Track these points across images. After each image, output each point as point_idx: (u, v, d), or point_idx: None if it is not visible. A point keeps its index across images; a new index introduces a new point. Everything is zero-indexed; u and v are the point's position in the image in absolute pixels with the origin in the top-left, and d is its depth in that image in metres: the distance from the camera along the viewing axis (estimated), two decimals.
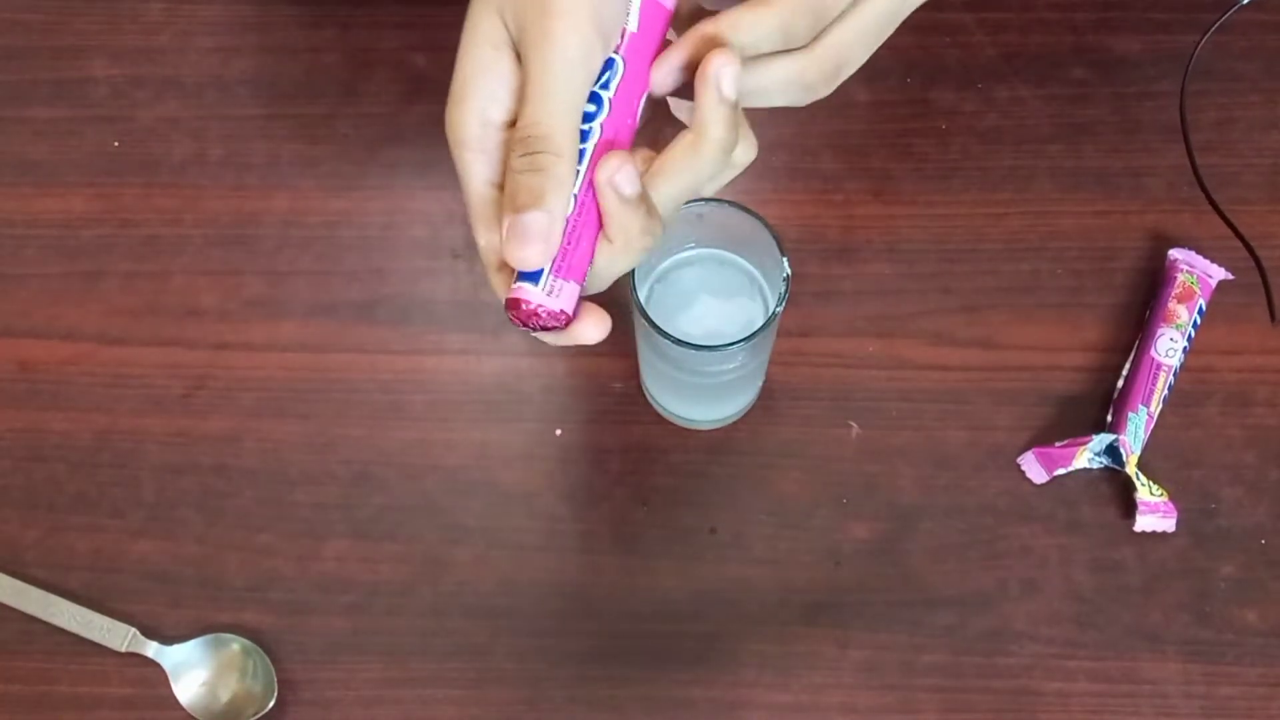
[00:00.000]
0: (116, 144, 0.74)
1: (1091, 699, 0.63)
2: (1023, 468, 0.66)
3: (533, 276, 0.44)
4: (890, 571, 0.65)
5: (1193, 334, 0.68)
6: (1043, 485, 0.66)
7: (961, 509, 0.66)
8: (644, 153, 0.46)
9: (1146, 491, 0.64)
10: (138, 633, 0.64)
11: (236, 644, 0.64)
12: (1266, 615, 0.64)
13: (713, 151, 0.44)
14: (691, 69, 0.44)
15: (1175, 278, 0.68)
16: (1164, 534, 0.65)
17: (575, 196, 0.44)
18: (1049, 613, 0.64)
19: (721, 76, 0.43)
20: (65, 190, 0.73)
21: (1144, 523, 0.64)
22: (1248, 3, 0.73)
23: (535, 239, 0.44)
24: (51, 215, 0.72)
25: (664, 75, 0.45)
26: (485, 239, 0.46)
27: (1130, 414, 0.65)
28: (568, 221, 0.44)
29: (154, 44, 0.75)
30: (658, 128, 0.48)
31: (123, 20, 0.76)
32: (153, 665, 0.63)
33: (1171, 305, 0.68)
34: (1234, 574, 0.65)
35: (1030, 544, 0.65)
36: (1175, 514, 0.65)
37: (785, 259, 0.56)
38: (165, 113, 0.74)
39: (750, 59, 0.44)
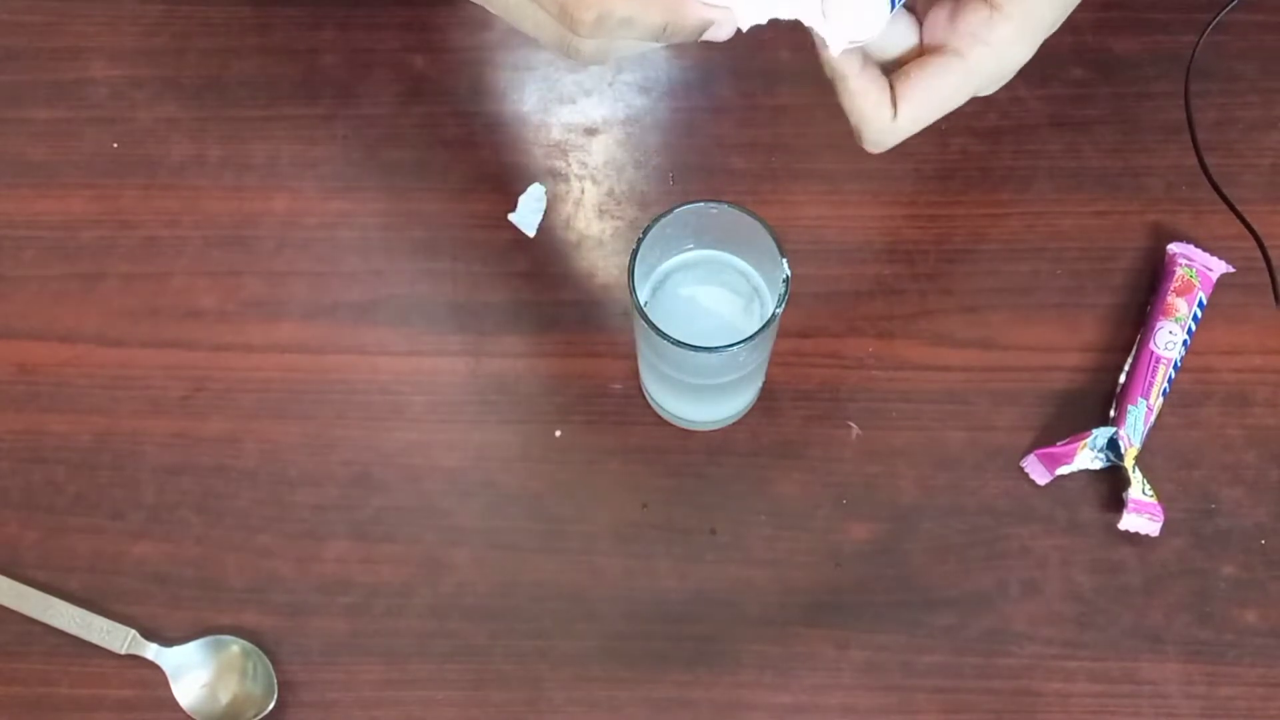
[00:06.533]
0: (116, 145, 0.73)
1: (1091, 699, 0.63)
2: (1025, 469, 0.66)
3: None
4: (890, 572, 0.65)
5: (1193, 327, 0.68)
6: (1043, 486, 0.66)
7: (961, 509, 0.66)
8: None
9: (1139, 490, 0.64)
10: (137, 634, 0.64)
11: (236, 646, 0.64)
12: (1266, 615, 0.64)
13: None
14: None
15: (1174, 271, 0.68)
16: (1150, 536, 0.65)
17: None
18: (1049, 613, 0.64)
19: None
20: (64, 192, 0.73)
21: (1129, 522, 0.64)
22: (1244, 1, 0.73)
23: None
24: (50, 217, 0.72)
25: None
26: None
27: (1130, 406, 0.65)
28: None
29: (153, 45, 0.75)
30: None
31: (122, 21, 0.76)
32: (153, 667, 0.63)
33: (1170, 299, 0.68)
34: (1234, 574, 0.65)
35: (1030, 544, 0.65)
36: (1163, 518, 0.64)
37: (785, 260, 0.56)
38: (164, 114, 0.74)
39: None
